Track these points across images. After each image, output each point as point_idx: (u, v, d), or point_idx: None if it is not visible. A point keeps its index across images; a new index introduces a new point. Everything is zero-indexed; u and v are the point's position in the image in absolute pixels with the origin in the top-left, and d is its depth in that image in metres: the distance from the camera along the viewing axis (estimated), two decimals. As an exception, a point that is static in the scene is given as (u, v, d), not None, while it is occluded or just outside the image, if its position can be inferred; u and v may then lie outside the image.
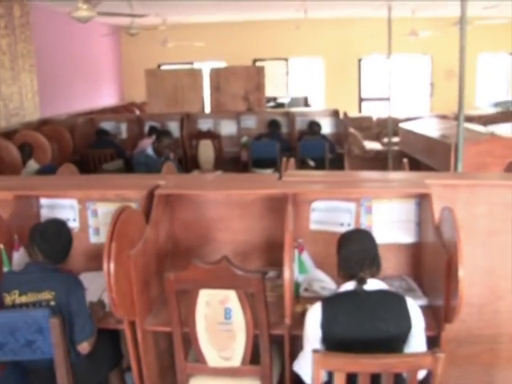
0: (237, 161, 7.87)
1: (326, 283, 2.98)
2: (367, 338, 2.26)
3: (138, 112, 12.10)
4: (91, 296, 2.93)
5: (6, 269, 2.93)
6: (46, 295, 2.64)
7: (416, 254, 3.19)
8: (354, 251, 2.41)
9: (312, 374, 2.16)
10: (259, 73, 10.03)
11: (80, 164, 6.46)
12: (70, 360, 2.63)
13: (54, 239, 2.80)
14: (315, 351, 2.14)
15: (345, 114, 8.17)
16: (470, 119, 8.90)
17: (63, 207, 3.45)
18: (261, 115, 8.73)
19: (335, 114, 8.54)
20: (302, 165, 6.91)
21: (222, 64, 12.86)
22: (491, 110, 12.17)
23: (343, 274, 2.45)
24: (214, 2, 9.45)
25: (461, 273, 2.38)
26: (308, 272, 2.97)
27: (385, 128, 10.46)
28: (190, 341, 2.62)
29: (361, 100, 14.36)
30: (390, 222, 3.20)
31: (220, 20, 12.91)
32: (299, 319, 2.65)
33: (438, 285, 2.65)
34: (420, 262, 3.14)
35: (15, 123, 8.19)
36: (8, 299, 2.67)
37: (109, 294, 2.55)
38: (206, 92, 10.43)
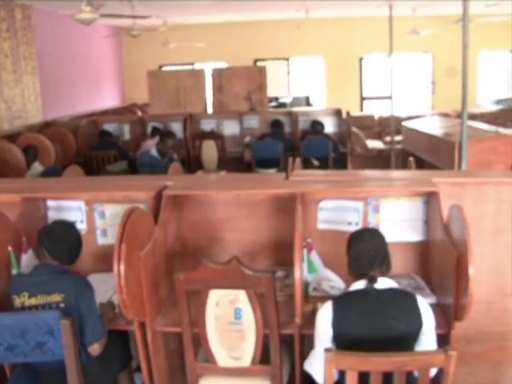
0: (240, 161, 7.88)
1: (334, 282, 2.98)
2: (378, 337, 2.27)
3: (139, 113, 12.10)
4: (100, 297, 2.92)
5: (14, 271, 2.93)
6: (56, 297, 2.64)
7: (424, 252, 3.19)
8: (365, 250, 2.41)
9: (324, 373, 2.17)
10: (261, 73, 10.04)
11: (83, 166, 6.44)
12: (81, 362, 2.63)
13: (60, 240, 2.80)
14: (327, 350, 2.14)
15: (347, 113, 8.17)
16: (472, 117, 8.90)
17: (70, 209, 3.46)
18: (263, 115, 8.74)
19: (338, 113, 8.55)
20: (305, 164, 6.91)
21: (222, 64, 12.87)
22: (493, 108, 12.17)
23: (354, 273, 2.45)
24: (215, 3, 9.44)
25: (471, 271, 2.38)
26: (317, 271, 2.97)
27: (387, 126, 10.48)
28: (199, 341, 2.62)
29: (362, 99, 14.35)
30: (398, 221, 3.20)
31: (220, 20, 12.91)
32: (309, 318, 2.67)
33: (447, 283, 2.65)
34: (428, 260, 3.15)
35: (18, 126, 8.21)
36: (17, 301, 2.67)
37: (119, 295, 2.55)
38: (209, 92, 10.43)
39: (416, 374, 2.28)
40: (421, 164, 6.84)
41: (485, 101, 13.73)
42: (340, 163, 7.57)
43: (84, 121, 8.59)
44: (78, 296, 2.64)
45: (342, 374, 2.23)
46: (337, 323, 2.30)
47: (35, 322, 2.53)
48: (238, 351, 2.60)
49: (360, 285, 2.38)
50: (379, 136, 11.17)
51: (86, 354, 2.69)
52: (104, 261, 3.36)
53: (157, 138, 6.77)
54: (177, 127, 8.34)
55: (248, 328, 2.54)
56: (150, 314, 2.75)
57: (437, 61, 13.87)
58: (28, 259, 3.08)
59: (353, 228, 3.11)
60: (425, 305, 2.35)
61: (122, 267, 2.52)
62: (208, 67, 11.21)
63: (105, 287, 3.10)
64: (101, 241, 3.46)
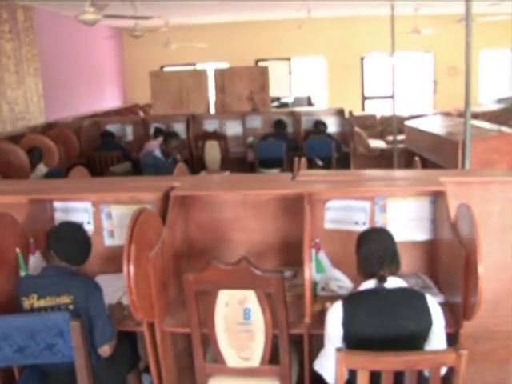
0: (243, 161, 7.88)
1: (342, 282, 2.98)
2: (388, 336, 2.27)
3: (141, 114, 12.11)
4: (107, 299, 2.91)
5: (22, 273, 2.93)
6: (65, 299, 2.65)
7: (431, 252, 3.20)
8: (375, 250, 2.41)
9: (335, 373, 2.17)
10: (263, 73, 10.03)
11: (86, 167, 6.46)
12: (91, 363, 2.63)
13: (68, 241, 2.79)
14: (339, 350, 2.15)
15: (350, 113, 8.18)
16: (474, 116, 8.83)
17: (77, 210, 3.46)
18: (266, 115, 8.74)
19: (340, 113, 8.55)
20: (309, 164, 6.91)
21: (224, 65, 12.87)
22: (494, 107, 12.17)
23: (363, 273, 2.46)
24: (217, 2, 9.45)
25: (480, 269, 2.39)
26: (325, 271, 2.98)
27: (388, 126, 10.48)
28: (207, 341, 2.62)
29: (364, 98, 14.36)
30: (405, 220, 3.21)
31: (222, 21, 12.92)
32: (317, 318, 2.67)
33: (456, 282, 2.65)
34: (435, 259, 3.15)
35: (21, 127, 8.22)
36: (26, 303, 2.67)
37: (129, 296, 2.55)
38: (211, 93, 10.44)
39: (426, 373, 2.29)
40: (423, 163, 6.81)
41: (486, 100, 13.74)
42: (343, 163, 7.57)
43: (87, 122, 8.60)
44: (87, 297, 2.65)
45: (352, 373, 2.24)
46: (347, 323, 2.30)
47: (45, 323, 2.53)
48: (247, 351, 2.60)
49: (370, 284, 2.39)
50: (381, 135, 11.17)
51: (96, 355, 2.70)
52: (111, 262, 3.36)
53: (160, 139, 6.78)
54: (179, 128, 8.34)
55: (257, 328, 2.54)
56: (159, 314, 2.75)
57: (438, 60, 13.89)
58: (35, 261, 3.08)
59: (360, 228, 3.12)
60: (434, 304, 2.36)
61: (132, 268, 2.52)
62: (209, 68, 11.22)
63: (112, 288, 3.10)
64: (108, 242, 3.47)
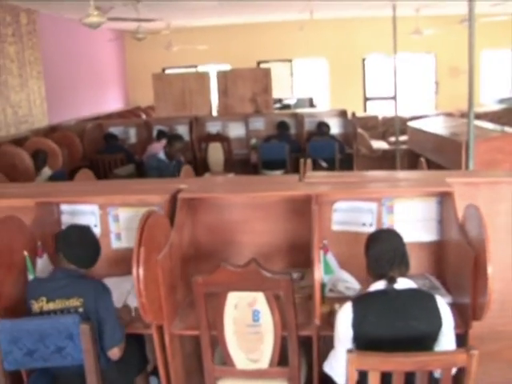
0: (246, 163, 7.89)
1: (350, 283, 2.99)
2: (398, 337, 2.27)
3: (144, 116, 12.12)
4: (114, 301, 2.92)
5: (30, 276, 2.93)
6: (74, 302, 2.65)
7: (438, 252, 3.20)
8: (384, 251, 2.42)
9: (346, 374, 2.17)
10: (266, 75, 10.04)
11: (90, 169, 6.47)
12: (100, 366, 2.63)
13: (76, 244, 2.80)
14: (349, 351, 2.15)
15: (353, 114, 8.19)
16: (476, 116, 8.81)
17: (84, 213, 3.46)
18: (269, 117, 8.77)
19: (343, 114, 8.56)
20: (313, 166, 6.91)
21: (226, 67, 12.88)
22: (496, 107, 12.16)
23: (373, 274, 2.46)
24: (218, 3, 9.45)
25: (489, 270, 2.39)
26: (333, 273, 2.98)
27: (391, 127, 10.47)
28: (216, 343, 2.63)
29: (366, 99, 14.37)
30: (412, 221, 3.21)
31: (224, 23, 12.93)
32: (326, 320, 2.67)
33: (464, 282, 2.65)
34: (442, 260, 3.15)
35: (24, 130, 8.24)
36: (36, 306, 2.68)
37: (139, 298, 2.56)
38: (214, 95, 10.45)
39: (436, 374, 2.29)
40: (426, 164, 6.83)
41: (488, 100, 13.74)
42: (346, 164, 7.57)
43: (90, 124, 8.62)
44: (96, 300, 2.65)
45: (362, 374, 2.24)
46: (357, 324, 2.30)
47: (55, 326, 2.53)
48: (256, 353, 2.60)
49: (379, 285, 2.39)
50: (383, 136, 11.16)
51: (105, 358, 2.70)
52: (118, 265, 3.36)
53: (163, 141, 6.79)
54: (183, 130, 8.36)
55: (266, 330, 2.54)
56: (168, 317, 2.76)
57: (440, 61, 13.90)
58: (43, 264, 3.08)
59: (367, 229, 3.13)
60: (444, 305, 2.36)
61: (141, 271, 2.52)
62: (211, 70, 11.23)
63: (119, 291, 3.10)
64: (115, 245, 3.46)
